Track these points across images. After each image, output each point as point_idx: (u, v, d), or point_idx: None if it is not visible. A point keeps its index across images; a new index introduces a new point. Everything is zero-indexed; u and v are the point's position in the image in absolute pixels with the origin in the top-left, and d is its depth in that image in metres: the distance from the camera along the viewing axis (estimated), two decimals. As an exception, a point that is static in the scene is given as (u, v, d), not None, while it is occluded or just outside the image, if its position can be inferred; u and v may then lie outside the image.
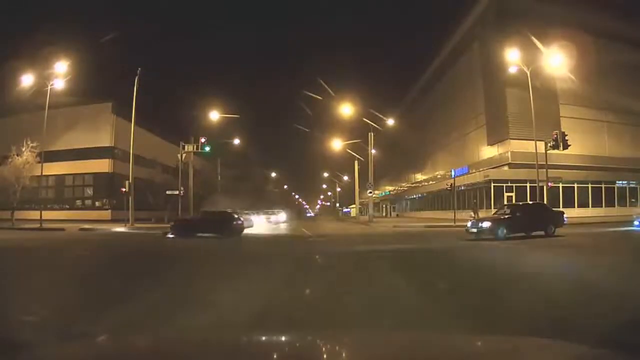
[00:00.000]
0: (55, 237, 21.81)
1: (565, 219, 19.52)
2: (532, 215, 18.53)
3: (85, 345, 2.39)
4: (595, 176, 37.91)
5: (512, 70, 29.17)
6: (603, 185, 38.55)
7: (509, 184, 37.44)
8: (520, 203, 24.72)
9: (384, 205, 79.23)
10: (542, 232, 17.83)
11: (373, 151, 38.97)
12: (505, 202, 31.59)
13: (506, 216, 18.25)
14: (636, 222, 21.78)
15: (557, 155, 29.40)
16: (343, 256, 13.17)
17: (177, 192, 32.85)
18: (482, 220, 18.35)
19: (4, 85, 30.93)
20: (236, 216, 22.77)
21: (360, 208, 56.83)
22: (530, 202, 27.41)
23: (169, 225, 22.92)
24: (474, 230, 17.62)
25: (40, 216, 28.18)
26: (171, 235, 21.19)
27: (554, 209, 21.55)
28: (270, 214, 49.20)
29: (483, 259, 12.12)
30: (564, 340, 2.33)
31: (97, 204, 43.78)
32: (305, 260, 12.13)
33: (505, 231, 17.03)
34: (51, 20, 49.03)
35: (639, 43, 33.20)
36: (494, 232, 17.01)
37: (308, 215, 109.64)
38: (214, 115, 34.92)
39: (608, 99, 36.68)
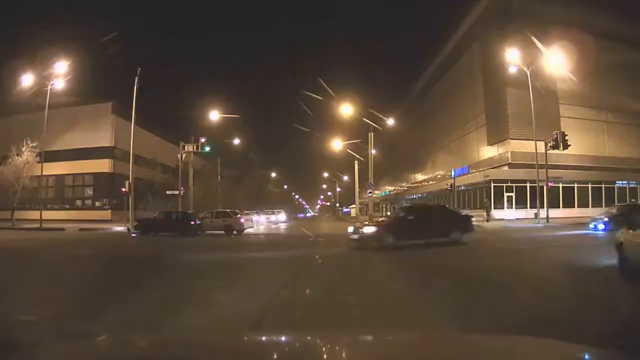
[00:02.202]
0: (55, 237, 21.83)
1: (474, 225, 16.95)
2: (431, 220, 15.70)
3: (85, 345, 2.39)
4: (595, 176, 37.83)
5: (512, 70, 29.17)
6: (603, 185, 38.46)
7: (509, 184, 37.39)
8: (418, 205, 22.52)
9: (384, 205, 79.20)
10: (445, 239, 14.89)
11: (373, 151, 38.88)
12: (507, 202, 31.54)
13: (396, 221, 16.14)
14: (592, 225, 19.67)
15: (557, 155, 29.37)
16: (342, 256, 13.19)
17: (177, 192, 32.89)
18: (365, 225, 16.01)
19: (4, 85, 30.94)
20: (194, 216, 23.75)
21: (360, 208, 56.80)
22: (430, 205, 25.85)
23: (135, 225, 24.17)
24: (356, 237, 15.14)
25: (40, 216, 28.19)
26: (134, 235, 22.54)
27: (461, 212, 19.21)
28: (270, 214, 49.30)
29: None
30: (564, 340, 2.33)
31: (97, 204, 43.68)
32: (306, 260, 12.16)
33: (392, 238, 14.41)
34: (51, 20, 48.95)
35: (639, 43, 33.21)
36: (378, 239, 14.47)
37: (308, 215, 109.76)
38: (214, 115, 34.86)
39: (608, 99, 36.65)
